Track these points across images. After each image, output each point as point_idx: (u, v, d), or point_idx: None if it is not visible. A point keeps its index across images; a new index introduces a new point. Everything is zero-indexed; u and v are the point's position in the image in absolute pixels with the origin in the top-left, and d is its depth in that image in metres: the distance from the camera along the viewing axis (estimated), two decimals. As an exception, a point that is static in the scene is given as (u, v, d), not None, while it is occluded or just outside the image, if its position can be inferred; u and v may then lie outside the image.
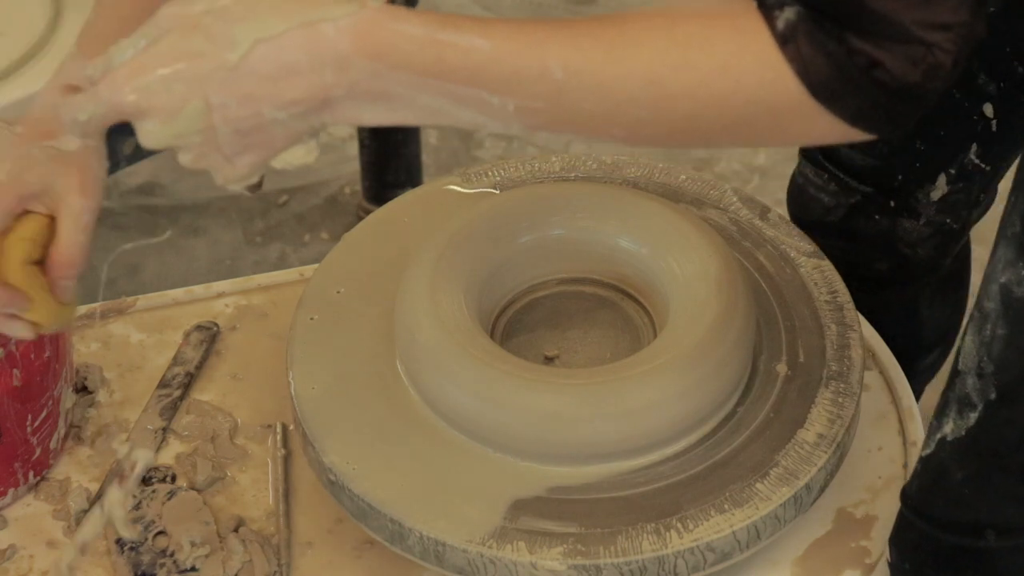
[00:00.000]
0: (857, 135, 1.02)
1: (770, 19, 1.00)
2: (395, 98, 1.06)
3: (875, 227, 1.59)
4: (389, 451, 1.34)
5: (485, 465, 1.33)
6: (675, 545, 1.26)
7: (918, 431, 1.43)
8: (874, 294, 1.61)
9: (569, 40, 1.02)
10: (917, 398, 1.82)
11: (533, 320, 1.45)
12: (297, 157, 1.10)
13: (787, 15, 0.99)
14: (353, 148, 2.60)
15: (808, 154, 1.65)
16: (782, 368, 1.39)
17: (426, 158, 2.55)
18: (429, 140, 2.67)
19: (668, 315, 1.40)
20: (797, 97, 1.00)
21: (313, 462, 1.36)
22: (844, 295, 1.45)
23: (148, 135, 1.10)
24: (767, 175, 2.62)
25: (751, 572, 1.33)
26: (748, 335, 1.37)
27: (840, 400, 1.35)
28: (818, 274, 1.47)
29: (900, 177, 1.56)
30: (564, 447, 1.32)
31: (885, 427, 1.45)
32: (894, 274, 1.63)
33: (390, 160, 2.44)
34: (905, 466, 1.41)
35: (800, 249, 1.49)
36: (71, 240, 1.21)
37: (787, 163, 2.62)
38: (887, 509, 1.38)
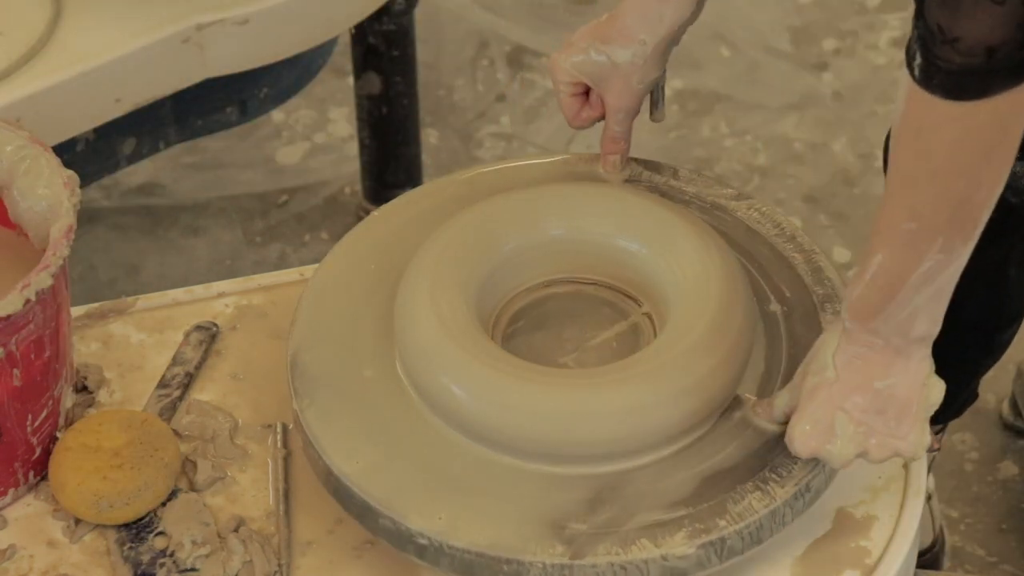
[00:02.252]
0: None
1: (911, 70, 1.15)
2: None
3: None
4: (389, 451, 1.34)
5: (485, 466, 1.33)
6: (781, 496, 1.30)
7: (918, 431, 1.43)
8: None
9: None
10: (977, 378, 1.83)
11: (533, 320, 1.45)
12: None
13: (917, 60, 1.14)
14: (353, 148, 2.61)
15: None
16: (775, 307, 1.42)
17: (426, 158, 2.55)
18: (429, 140, 2.67)
19: (668, 314, 1.40)
20: (957, 110, 1.14)
21: (313, 462, 1.36)
22: (789, 225, 1.49)
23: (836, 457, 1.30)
24: (767, 175, 2.62)
25: (751, 572, 1.33)
26: (749, 331, 1.37)
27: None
28: (756, 213, 1.49)
29: None
30: (565, 447, 1.32)
31: (885, 427, 1.45)
32: (992, 228, 1.63)
33: (390, 160, 2.45)
34: (905, 466, 1.41)
35: (726, 195, 1.51)
36: (610, 131, 1.52)
37: (787, 163, 2.63)
38: (887, 509, 1.38)
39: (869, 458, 1.29)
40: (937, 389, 1.30)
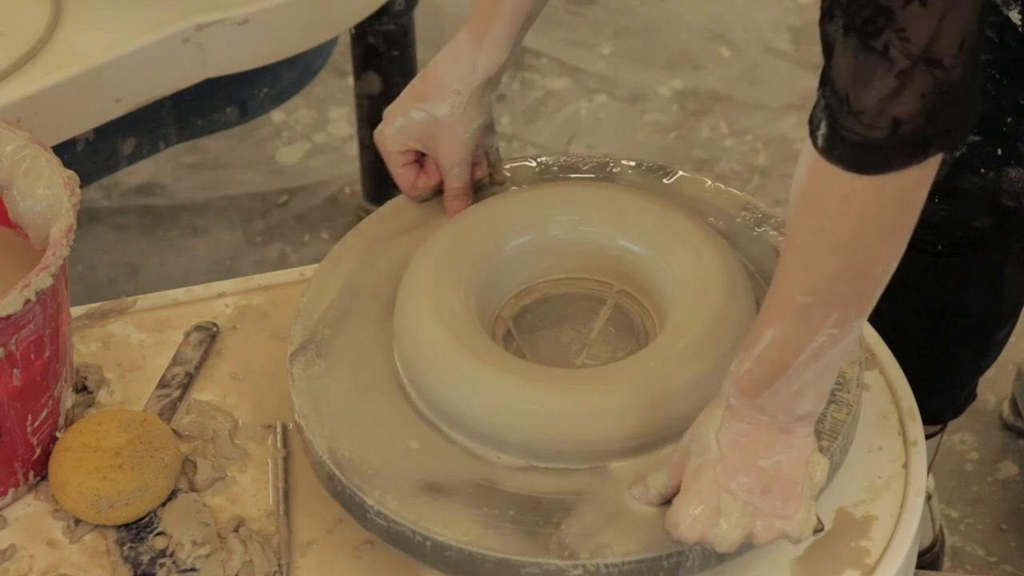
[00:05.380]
0: (931, 165, 1.12)
1: (814, 140, 1.14)
2: None
3: (979, 181, 1.59)
4: (389, 451, 1.34)
5: (486, 466, 1.33)
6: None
7: (918, 431, 1.43)
8: (961, 255, 1.60)
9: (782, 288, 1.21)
10: (975, 378, 1.83)
11: (533, 320, 1.45)
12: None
13: (822, 130, 1.12)
14: (353, 148, 2.61)
15: None
16: None
17: (426, 158, 2.55)
18: (429, 140, 2.67)
19: (668, 313, 1.40)
20: (860, 184, 1.12)
21: (313, 462, 1.36)
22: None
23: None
24: (767, 175, 2.62)
25: (751, 572, 1.33)
26: (748, 329, 1.37)
27: (838, 395, 1.36)
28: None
29: (1010, 120, 1.54)
30: (566, 446, 1.32)
31: (885, 427, 1.44)
32: (990, 232, 1.63)
33: (390, 160, 2.44)
34: (905, 466, 1.41)
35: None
36: (450, 188, 1.51)
37: (787, 163, 2.62)
38: (887, 509, 1.38)
39: (755, 540, 1.25)
40: (821, 468, 1.25)
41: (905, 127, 1.09)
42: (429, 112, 1.46)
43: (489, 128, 1.50)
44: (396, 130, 1.49)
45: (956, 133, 1.10)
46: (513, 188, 1.53)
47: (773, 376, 1.21)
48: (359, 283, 1.46)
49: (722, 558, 1.30)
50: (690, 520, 1.24)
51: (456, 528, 1.28)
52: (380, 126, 1.50)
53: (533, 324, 1.45)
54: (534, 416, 1.31)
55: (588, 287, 1.47)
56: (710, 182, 1.53)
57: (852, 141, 1.10)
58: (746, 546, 1.26)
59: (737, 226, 1.50)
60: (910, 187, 1.13)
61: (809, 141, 1.14)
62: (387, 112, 1.50)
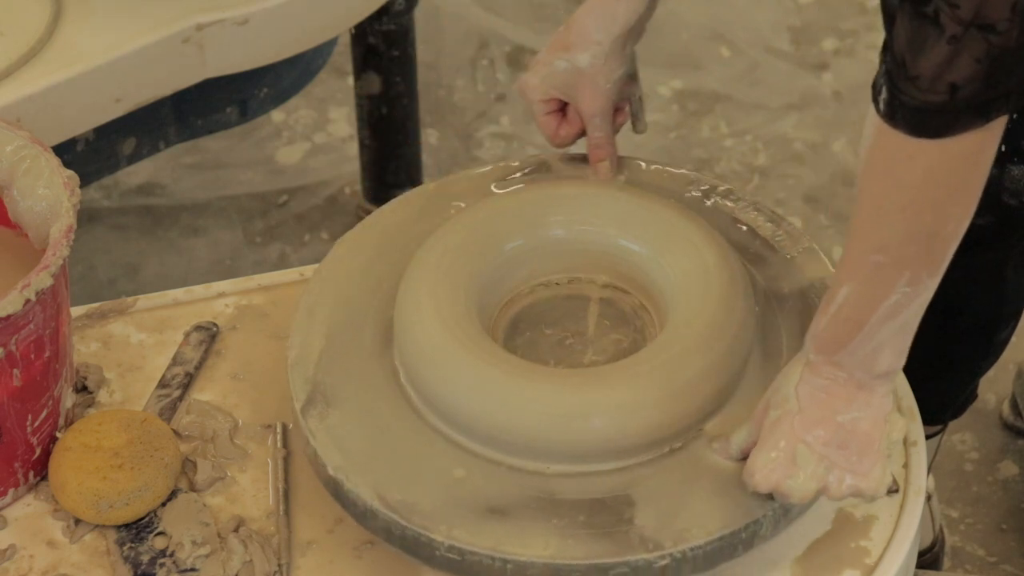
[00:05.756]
0: (995, 126, 1.14)
1: (876, 105, 1.15)
2: None
3: None
4: (389, 451, 1.34)
5: (486, 466, 1.33)
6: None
7: (918, 431, 1.43)
8: (962, 254, 1.60)
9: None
10: (976, 379, 1.83)
11: (533, 320, 1.45)
12: None
13: (883, 95, 1.14)
14: (353, 148, 2.61)
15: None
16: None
17: (426, 158, 2.55)
18: (429, 140, 2.67)
19: (669, 312, 1.40)
20: (923, 147, 1.14)
21: (313, 462, 1.36)
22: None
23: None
24: (767, 175, 2.62)
25: (751, 572, 1.33)
26: (748, 328, 1.37)
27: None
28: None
29: (1015, 116, 1.55)
30: (567, 446, 1.32)
31: (885, 427, 1.44)
32: (991, 231, 1.63)
33: (390, 160, 2.45)
34: (905, 466, 1.41)
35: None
36: (592, 138, 1.52)
37: (787, 163, 2.63)
38: (887, 509, 1.38)
39: (829, 494, 1.27)
40: (899, 427, 1.28)
41: (962, 92, 1.11)
42: (571, 62, 1.48)
43: (632, 77, 1.52)
44: (540, 80, 1.50)
45: (1017, 95, 1.12)
46: (512, 189, 1.53)
47: (849, 334, 1.24)
48: (359, 283, 1.46)
49: (791, 518, 1.31)
50: (766, 470, 1.27)
51: (534, 545, 1.28)
52: (524, 76, 1.52)
53: (534, 324, 1.45)
54: (535, 416, 1.31)
55: (582, 287, 1.47)
56: (644, 163, 1.54)
57: (911, 106, 1.13)
58: (816, 501, 1.29)
59: (688, 202, 1.50)
60: (974, 148, 1.14)
61: (873, 106, 1.16)
62: (532, 62, 1.52)
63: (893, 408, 1.28)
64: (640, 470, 1.32)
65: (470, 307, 1.39)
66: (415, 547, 1.30)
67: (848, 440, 1.26)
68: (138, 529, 1.38)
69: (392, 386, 1.38)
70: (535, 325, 1.45)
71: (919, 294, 1.22)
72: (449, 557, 1.29)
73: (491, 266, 1.43)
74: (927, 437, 1.82)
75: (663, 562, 1.27)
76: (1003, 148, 1.56)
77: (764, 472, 1.26)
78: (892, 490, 1.29)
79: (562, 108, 1.53)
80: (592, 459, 1.32)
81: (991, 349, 1.82)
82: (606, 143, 1.52)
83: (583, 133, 1.53)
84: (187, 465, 1.44)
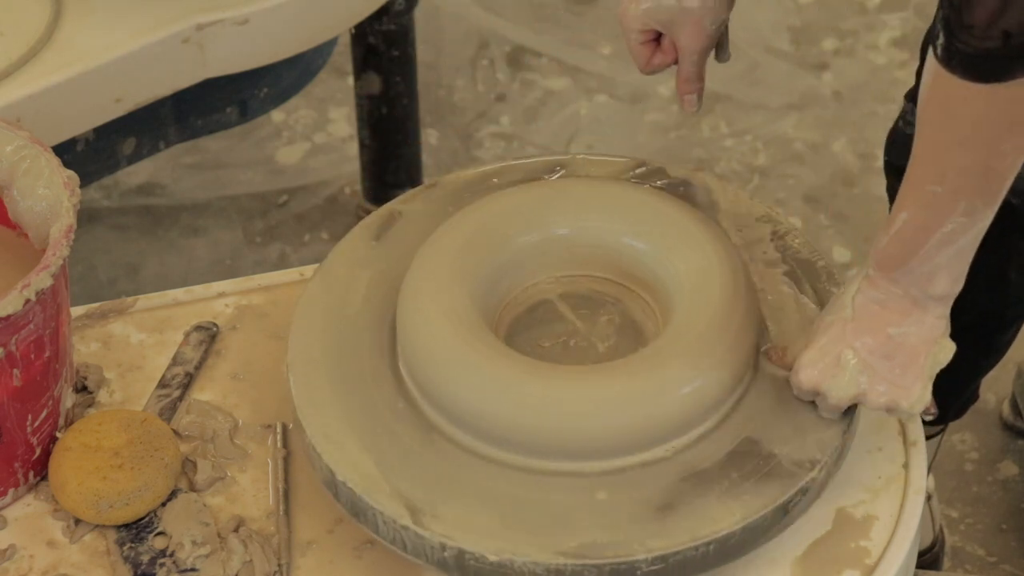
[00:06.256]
0: None
1: (934, 50, 1.19)
2: None
3: None
4: (390, 451, 1.34)
5: (490, 465, 1.33)
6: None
7: (918, 431, 1.43)
8: None
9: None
10: (977, 380, 1.82)
11: (537, 317, 1.45)
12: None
13: (940, 40, 1.18)
14: (353, 148, 2.61)
15: (915, 96, 1.67)
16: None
17: (426, 158, 2.55)
18: (429, 140, 2.67)
19: (672, 310, 1.40)
20: (978, 89, 1.18)
21: (313, 462, 1.36)
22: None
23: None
24: (767, 175, 2.62)
25: (751, 572, 1.33)
26: (751, 325, 1.37)
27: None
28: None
29: None
30: (571, 444, 1.32)
31: (885, 427, 1.45)
32: (993, 232, 1.63)
33: (390, 160, 2.45)
34: (905, 466, 1.41)
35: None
36: (685, 72, 1.54)
37: (787, 163, 2.63)
38: (887, 509, 1.38)
39: (866, 401, 1.31)
40: (947, 350, 1.31)
41: (1016, 39, 1.14)
42: (679, 1, 1.49)
43: (726, 23, 1.55)
44: (642, 11, 1.51)
45: None
46: (514, 186, 1.53)
47: (907, 255, 1.28)
48: (359, 283, 1.46)
49: (791, 519, 1.32)
50: (810, 368, 1.31)
51: (460, 529, 1.28)
52: (626, 3, 1.53)
53: (538, 321, 1.45)
54: (540, 413, 1.31)
55: (590, 285, 1.47)
56: (583, 154, 1.56)
57: (966, 52, 1.16)
58: (851, 410, 1.34)
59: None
60: None
61: (931, 49, 1.20)
62: None
63: (945, 332, 1.31)
64: (663, 454, 1.33)
65: (474, 304, 1.39)
66: (417, 549, 1.31)
67: (894, 352, 1.30)
68: (138, 529, 1.38)
69: (394, 385, 1.39)
70: (538, 323, 1.45)
71: (975, 223, 1.26)
72: (444, 557, 1.29)
73: (495, 263, 1.43)
74: (927, 437, 1.82)
75: (733, 541, 1.28)
76: None
77: (808, 370, 1.31)
78: (930, 413, 1.31)
79: (656, 38, 1.55)
80: (592, 458, 1.32)
81: (993, 350, 1.81)
82: (697, 78, 1.55)
83: (674, 63, 1.55)
84: (187, 465, 1.44)
